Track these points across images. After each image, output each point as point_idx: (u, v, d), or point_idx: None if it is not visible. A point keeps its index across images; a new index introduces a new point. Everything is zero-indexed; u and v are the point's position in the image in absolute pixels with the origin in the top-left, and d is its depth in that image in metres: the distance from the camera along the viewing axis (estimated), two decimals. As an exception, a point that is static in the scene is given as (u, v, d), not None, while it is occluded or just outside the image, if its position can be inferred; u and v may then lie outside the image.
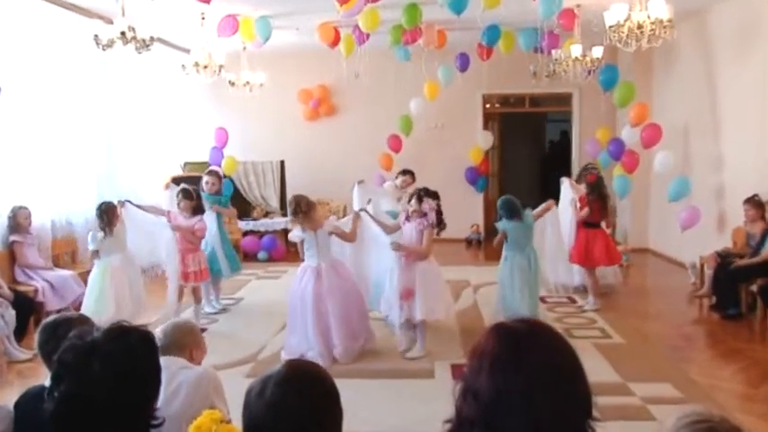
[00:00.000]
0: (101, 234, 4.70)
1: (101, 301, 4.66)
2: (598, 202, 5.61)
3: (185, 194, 5.08)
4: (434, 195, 4.28)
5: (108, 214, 4.73)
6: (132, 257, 4.86)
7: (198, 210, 5.10)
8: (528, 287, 4.63)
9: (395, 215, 4.50)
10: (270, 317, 5.25)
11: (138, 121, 7.83)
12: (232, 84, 7.51)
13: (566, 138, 11.38)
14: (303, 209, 4.18)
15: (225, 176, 8.21)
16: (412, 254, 4.19)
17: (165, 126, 8.59)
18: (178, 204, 5.08)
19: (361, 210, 4.52)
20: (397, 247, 4.18)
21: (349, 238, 4.32)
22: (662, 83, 8.13)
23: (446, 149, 9.36)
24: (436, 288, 4.19)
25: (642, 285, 6.80)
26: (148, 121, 8.12)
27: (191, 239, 5.05)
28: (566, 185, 6.03)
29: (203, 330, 4.86)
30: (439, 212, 4.25)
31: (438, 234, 4.32)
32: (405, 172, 5.83)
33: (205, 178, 5.69)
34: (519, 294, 4.61)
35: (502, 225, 4.80)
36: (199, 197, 5.20)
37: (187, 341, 2.21)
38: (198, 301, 5.25)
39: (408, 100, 8.66)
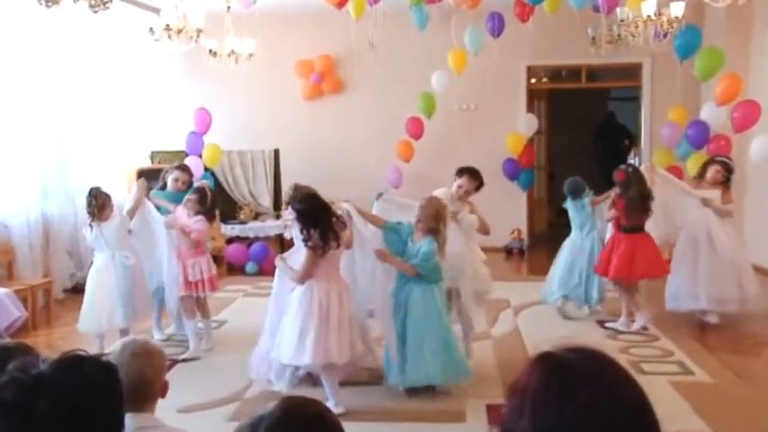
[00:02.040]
0: (87, 228, 5.03)
1: (87, 313, 4.98)
2: (628, 201, 5.61)
3: (197, 191, 5.29)
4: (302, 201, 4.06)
5: (95, 203, 4.96)
6: (126, 257, 5.00)
7: (208, 212, 5.25)
8: (586, 273, 5.70)
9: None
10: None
11: (95, 100, 7.93)
12: (213, 53, 7.56)
13: (613, 121, 11.32)
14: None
15: (206, 169, 8.32)
16: (400, 267, 4.19)
17: (129, 107, 8.70)
18: (185, 201, 5.28)
19: (345, 201, 4.41)
20: (382, 255, 4.17)
21: (350, 243, 4.30)
22: (763, 49, 8.01)
23: (479, 137, 9.38)
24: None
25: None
26: (108, 101, 8.22)
27: (187, 242, 5.18)
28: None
29: (173, 363, 4.91)
30: (308, 222, 3.91)
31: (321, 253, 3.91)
32: (463, 171, 4.92)
33: (175, 174, 5.73)
34: (577, 279, 5.73)
35: (566, 205, 6.02)
36: (213, 200, 5.31)
37: (149, 374, 2.08)
38: (205, 316, 5.37)
39: (430, 74, 8.71)
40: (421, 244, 4.17)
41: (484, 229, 4.80)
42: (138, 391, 2.03)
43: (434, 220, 4.14)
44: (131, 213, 5.18)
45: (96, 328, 5.02)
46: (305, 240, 3.95)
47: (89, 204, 4.99)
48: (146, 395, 2.08)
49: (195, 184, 5.52)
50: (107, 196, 5.06)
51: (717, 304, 5.70)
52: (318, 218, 3.94)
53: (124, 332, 4.91)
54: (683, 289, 5.73)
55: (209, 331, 5.39)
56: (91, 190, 5.06)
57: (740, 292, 5.67)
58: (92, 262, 5.19)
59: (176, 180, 5.68)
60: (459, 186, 4.64)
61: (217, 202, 5.51)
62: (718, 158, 6.00)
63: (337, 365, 4.02)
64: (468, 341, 4.85)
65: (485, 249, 9.03)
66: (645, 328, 5.66)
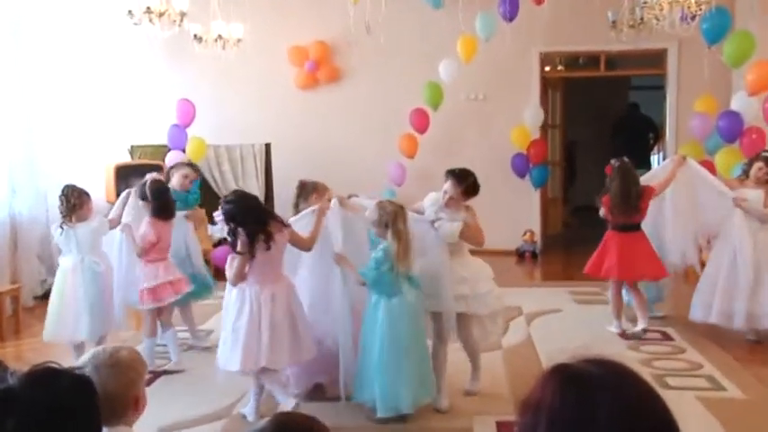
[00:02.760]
0: (56, 228, 5.01)
1: (53, 321, 4.96)
2: (611, 197, 5.70)
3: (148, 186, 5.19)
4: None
5: (68, 202, 4.97)
6: (96, 262, 4.99)
7: (160, 210, 5.15)
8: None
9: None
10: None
11: (68, 90, 7.94)
12: (198, 39, 7.58)
13: (635, 112, 11.29)
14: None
15: (191, 164, 8.32)
16: (351, 274, 4.26)
17: (106, 97, 8.71)
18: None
19: (354, 196, 4.50)
20: (338, 259, 4.26)
21: (305, 244, 4.31)
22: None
23: (489, 129, 9.39)
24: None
25: None
26: (83, 91, 8.23)
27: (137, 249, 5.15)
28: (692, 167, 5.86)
29: (156, 376, 4.94)
30: (235, 223, 4.01)
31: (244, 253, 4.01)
32: (447, 174, 4.71)
33: (185, 170, 5.73)
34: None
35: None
36: (162, 196, 5.20)
37: (112, 388, 2.01)
38: (166, 324, 5.29)
39: (438, 62, 8.70)
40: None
41: (473, 240, 4.37)
42: (120, 414, 2.03)
43: (381, 226, 4.12)
44: (114, 223, 5.17)
45: (63, 338, 5.00)
46: (231, 243, 4.06)
47: (62, 203, 4.99)
48: (111, 411, 1.99)
49: (146, 177, 5.30)
50: (84, 195, 5.04)
51: (754, 321, 5.59)
52: (246, 218, 4.03)
53: (99, 342, 4.86)
54: (712, 302, 5.59)
55: (173, 345, 5.24)
56: (64, 188, 5.05)
57: None
58: (58, 265, 5.14)
59: (185, 177, 5.66)
60: (445, 192, 4.45)
61: (170, 200, 5.26)
62: (765, 154, 5.79)
63: (275, 371, 4.18)
64: (475, 367, 4.66)
65: (494, 253, 9.01)
66: (645, 331, 5.72)
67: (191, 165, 5.86)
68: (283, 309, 4.12)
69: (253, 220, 4.05)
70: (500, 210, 9.38)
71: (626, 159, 5.87)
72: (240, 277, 4.08)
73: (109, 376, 2.03)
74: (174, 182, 5.63)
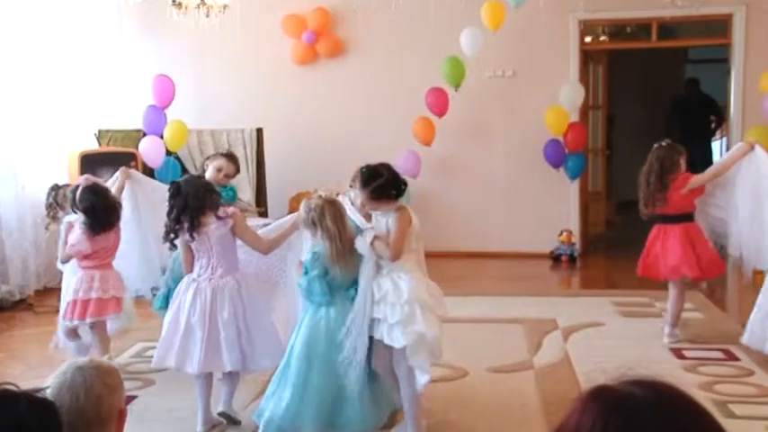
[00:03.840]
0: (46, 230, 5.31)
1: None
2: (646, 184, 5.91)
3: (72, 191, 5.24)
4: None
5: (56, 198, 5.28)
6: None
7: (93, 221, 5.17)
8: None
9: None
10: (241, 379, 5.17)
11: (22, 64, 7.92)
12: (178, 5, 7.59)
13: (694, 90, 11.22)
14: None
15: (168, 153, 8.35)
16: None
17: (68, 74, 8.70)
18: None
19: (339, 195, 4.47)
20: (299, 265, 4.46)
21: (259, 245, 4.56)
22: None
23: (518, 111, 9.36)
24: None
25: None
26: (41, 66, 8.22)
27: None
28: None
29: (127, 401, 4.97)
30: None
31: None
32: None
33: (219, 162, 5.55)
34: None
35: None
36: (101, 202, 5.21)
37: (108, 394, 2.17)
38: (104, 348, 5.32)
39: (459, 33, 8.69)
40: None
41: (381, 253, 4.10)
42: None
43: (309, 225, 4.20)
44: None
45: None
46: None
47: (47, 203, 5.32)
48: (97, 419, 2.13)
49: (78, 181, 5.35)
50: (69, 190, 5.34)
51: None
52: (175, 204, 4.43)
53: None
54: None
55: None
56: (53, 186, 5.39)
57: None
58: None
59: (219, 170, 5.65)
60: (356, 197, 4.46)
61: (106, 212, 5.18)
62: None
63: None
64: (407, 400, 4.28)
65: (525, 256, 8.87)
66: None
67: (229, 156, 5.81)
68: (217, 308, 4.42)
69: (178, 205, 4.42)
70: (532, 206, 9.39)
71: (664, 143, 5.98)
72: (186, 266, 4.57)
73: (95, 376, 2.17)
74: (208, 174, 5.63)
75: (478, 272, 8.74)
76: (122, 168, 5.74)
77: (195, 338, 4.40)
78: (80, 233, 5.12)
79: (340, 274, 4.14)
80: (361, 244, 4.11)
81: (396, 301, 4.05)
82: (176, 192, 4.44)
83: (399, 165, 8.74)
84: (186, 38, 8.71)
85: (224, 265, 4.46)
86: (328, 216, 4.12)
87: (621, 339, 6.15)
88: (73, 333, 5.38)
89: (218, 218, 4.44)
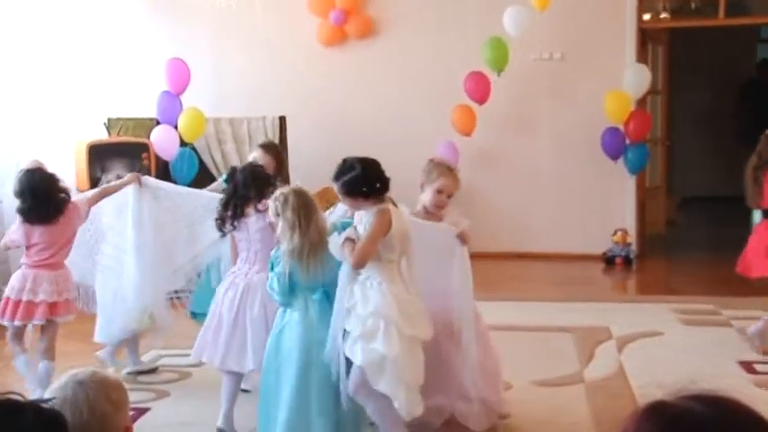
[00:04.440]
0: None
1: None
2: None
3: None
4: None
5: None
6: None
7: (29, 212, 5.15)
8: None
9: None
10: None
11: (26, 49, 8.01)
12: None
13: (766, 71, 11.06)
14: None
15: (184, 144, 8.40)
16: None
17: (75, 58, 8.80)
18: None
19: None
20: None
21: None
22: None
23: (568, 98, 9.31)
24: None
25: None
26: (46, 50, 8.31)
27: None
28: None
29: (140, 413, 4.99)
30: None
31: None
32: None
33: (255, 154, 5.73)
34: None
35: None
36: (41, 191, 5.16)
37: (113, 411, 2.15)
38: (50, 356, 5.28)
39: (502, 11, 8.66)
40: None
41: (346, 256, 4.00)
42: None
43: (275, 216, 4.18)
44: (92, 201, 5.41)
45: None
46: None
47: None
48: None
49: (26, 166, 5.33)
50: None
51: None
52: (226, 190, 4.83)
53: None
54: None
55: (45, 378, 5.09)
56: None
57: None
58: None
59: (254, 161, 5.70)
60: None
61: (43, 200, 5.09)
62: None
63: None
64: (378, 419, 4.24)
65: (575, 258, 8.83)
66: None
67: (266, 146, 5.85)
68: (254, 304, 4.68)
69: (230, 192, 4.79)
70: (582, 202, 9.32)
71: None
72: (232, 258, 4.98)
73: (98, 392, 2.13)
74: None
75: (523, 275, 8.70)
76: (134, 174, 5.75)
77: (223, 333, 4.60)
78: (18, 221, 5.14)
79: (302, 274, 4.04)
80: (333, 244, 4.02)
81: (362, 312, 3.96)
82: (231, 177, 4.77)
83: (437, 155, 8.81)
84: (202, 18, 8.76)
85: (261, 260, 4.60)
86: (290, 207, 4.04)
87: (682, 350, 6.09)
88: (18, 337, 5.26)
89: (258, 210, 4.61)
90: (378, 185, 4.05)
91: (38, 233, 5.05)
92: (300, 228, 4.02)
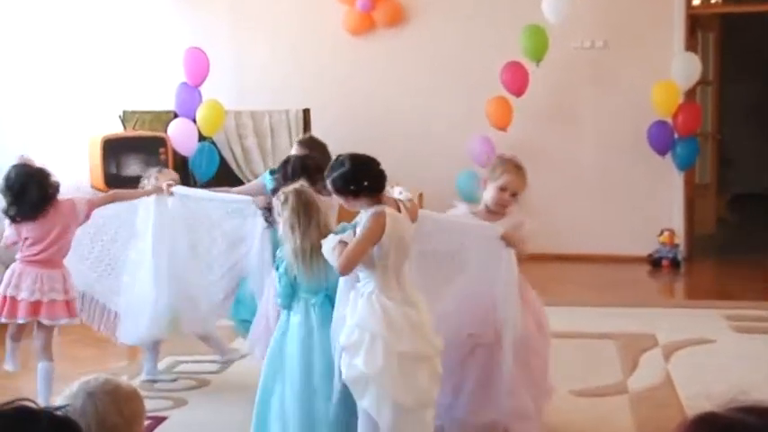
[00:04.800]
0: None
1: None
2: None
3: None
4: None
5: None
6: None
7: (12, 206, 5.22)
8: None
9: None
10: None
11: (39, 39, 8.08)
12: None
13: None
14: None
15: (203, 138, 8.45)
16: None
17: (89, 49, 8.85)
18: None
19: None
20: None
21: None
22: None
23: (612, 89, 9.28)
24: None
25: None
26: (58, 40, 8.37)
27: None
28: None
29: (158, 422, 5.05)
30: None
31: None
32: None
33: (293, 149, 5.82)
34: None
35: None
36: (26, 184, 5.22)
37: (126, 426, 2.17)
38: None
39: (540, -2, 8.66)
40: None
41: (333, 260, 3.97)
42: None
43: (276, 215, 4.35)
44: (97, 203, 5.42)
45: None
46: None
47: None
48: None
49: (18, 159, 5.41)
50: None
51: None
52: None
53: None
54: None
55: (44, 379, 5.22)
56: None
57: None
58: None
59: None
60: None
61: (27, 197, 5.15)
62: None
63: None
64: None
65: (618, 260, 8.83)
66: None
67: (303, 142, 5.90)
68: None
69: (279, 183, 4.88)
70: (626, 200, 9.28)
71: None
72: None
73: (109, 404, 2.14)
74: None
75: (562, 277, 8.65)
76: (162, 185, 5.64)
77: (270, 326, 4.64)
78: (9, 229, 5.25)
79: (304, 276, 4.06)
80: (325, 247, 3.95)
81: (350, 322, 3.92)
82: (282, 166, 5.04)
83: (469, 151, 8.87)
84: (222, 5, 8.80)
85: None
86: (289, 206, 4.07)
87: (734, 359, 6.07)
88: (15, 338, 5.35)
89: None
90: (366, 184, 3.94)
91: (26, 228, 5.13)
92: (300, 227, 4.02)
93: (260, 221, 5.31)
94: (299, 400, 4.07)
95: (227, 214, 5.54)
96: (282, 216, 4.09)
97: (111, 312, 5.62)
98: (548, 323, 4.69)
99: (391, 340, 3.83)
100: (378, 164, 4.05)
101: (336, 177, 3.98)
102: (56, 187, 5.21)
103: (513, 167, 4.65)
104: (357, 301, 3.90)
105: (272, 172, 5.50)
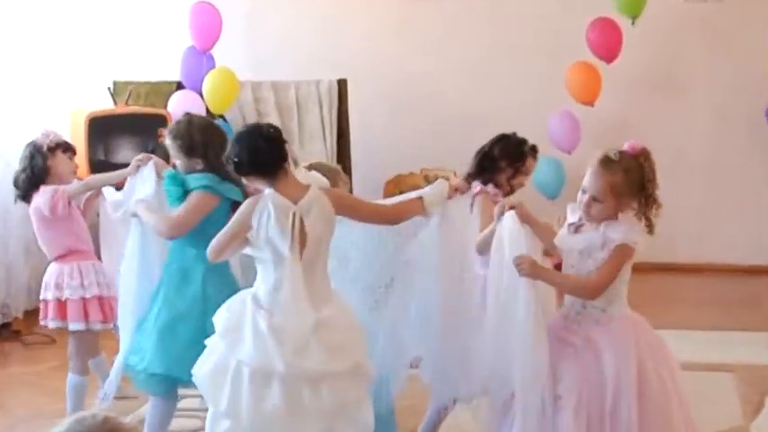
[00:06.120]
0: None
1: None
2: None
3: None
4: None
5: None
6: None
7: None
8: None
9: None
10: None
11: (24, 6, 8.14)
12: None
13: None
14: None
15: (213, 115, 8.41)
16: None
17: (73, 6, 8.87)
18: None
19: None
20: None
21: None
22: None
23: (731, 53, 9.27)
24: None
25: None
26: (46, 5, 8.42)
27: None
28: None
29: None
30: None
31: None
32: None
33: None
34: None
35: None
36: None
37: None
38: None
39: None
40: None
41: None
42: None
43: None
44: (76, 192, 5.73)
45: None
46: None
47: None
48: None
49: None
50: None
51: None
52: None
53: None
54: None
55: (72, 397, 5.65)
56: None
57: None
58: None
59: None
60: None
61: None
62: None
63: None
64: None
65: (726, 270, 8.83)
66: None
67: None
68: None
69: None
70: (748, 198, 9.35)
71: None
72: None
73: None
74: None
75: (666, 293, 8.62)
76: (141, 156, 5.82)
77: None
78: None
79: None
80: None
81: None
82: None
83: (547, 131, 8.78)
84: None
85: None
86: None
87: None
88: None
89: None
90: (236, 161, 4.32)
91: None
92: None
93: None
94: None
95: None
96: None
97: None
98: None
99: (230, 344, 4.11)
100: (259, 136, 4.42)
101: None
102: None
103: (599, 164, 4.39)
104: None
105: None
